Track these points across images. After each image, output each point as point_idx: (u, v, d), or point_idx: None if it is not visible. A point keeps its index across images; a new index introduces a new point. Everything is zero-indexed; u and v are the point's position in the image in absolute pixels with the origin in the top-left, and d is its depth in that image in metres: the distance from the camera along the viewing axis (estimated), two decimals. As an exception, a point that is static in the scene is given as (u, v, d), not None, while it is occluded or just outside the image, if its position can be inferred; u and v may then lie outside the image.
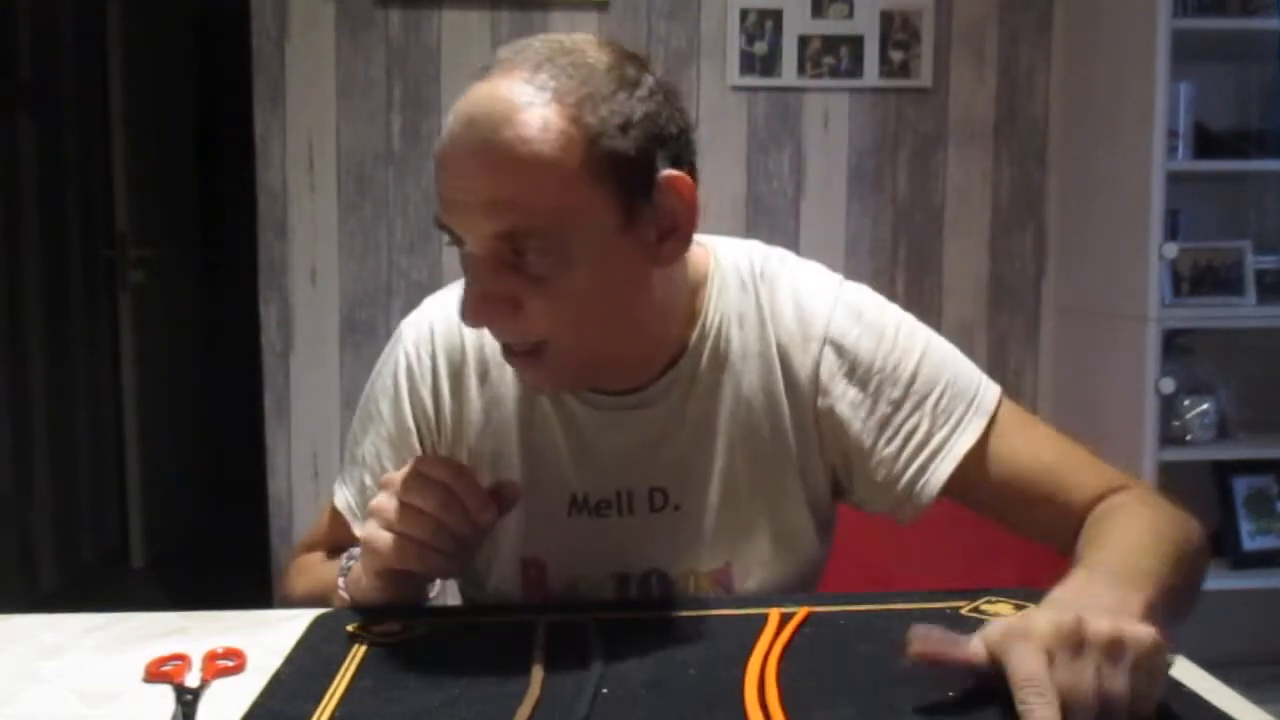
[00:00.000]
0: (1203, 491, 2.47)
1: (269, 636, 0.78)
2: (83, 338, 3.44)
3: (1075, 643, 0.58)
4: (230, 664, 0.73)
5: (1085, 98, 2.52)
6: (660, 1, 2.54)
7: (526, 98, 0.73)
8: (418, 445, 0.93)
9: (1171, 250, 2.23)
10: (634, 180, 0.76)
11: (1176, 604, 0.73)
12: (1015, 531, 0.91)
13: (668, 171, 0.77)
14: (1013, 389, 2.67)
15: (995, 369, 2.68)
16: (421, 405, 0.92)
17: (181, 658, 0.74)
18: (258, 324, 2.56)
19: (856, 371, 0.89)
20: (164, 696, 0.69)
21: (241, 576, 2.81)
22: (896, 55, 2.58)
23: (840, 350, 0.89)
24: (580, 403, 0.89)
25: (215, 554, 3.69)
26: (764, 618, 0.78)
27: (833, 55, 2.57)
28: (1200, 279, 2.36)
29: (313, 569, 0.99)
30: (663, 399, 0.89)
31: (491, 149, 0.72)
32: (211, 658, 0.74)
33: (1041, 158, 2.66)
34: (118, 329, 3.49)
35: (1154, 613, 0.66)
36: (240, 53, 2.65)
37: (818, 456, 0.90)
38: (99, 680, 0.72)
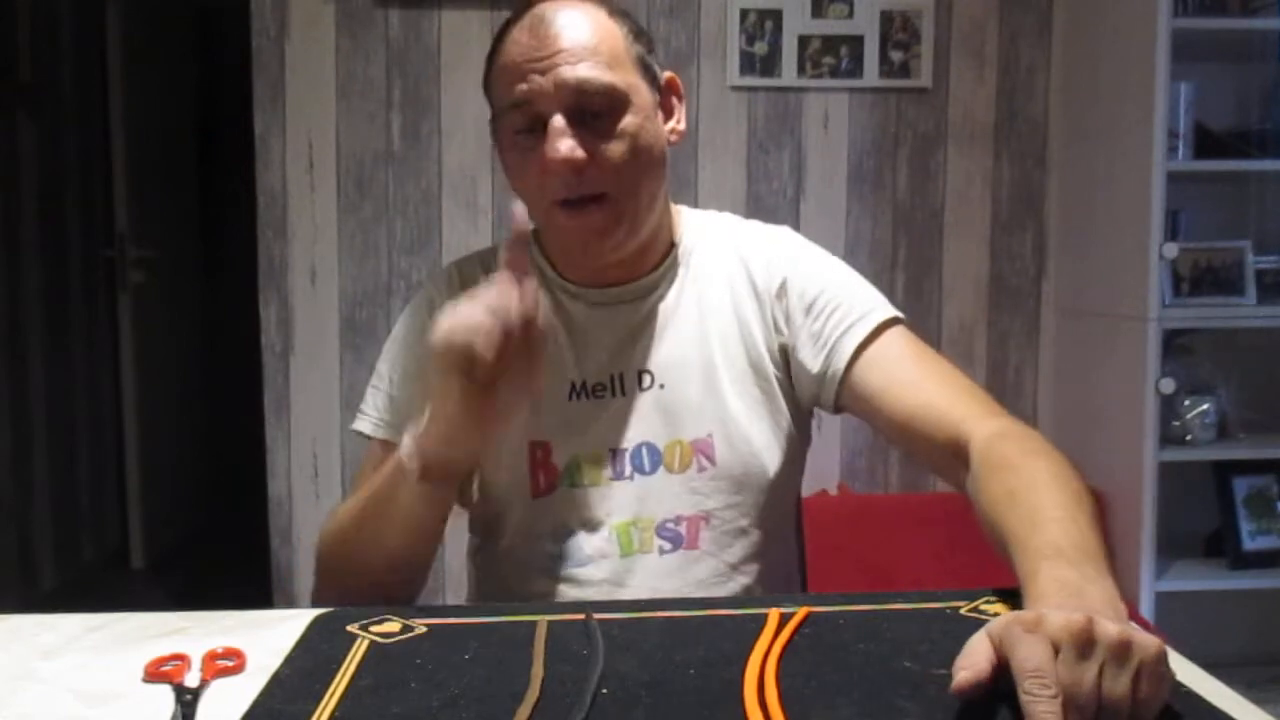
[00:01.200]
0: (1203, 491, 2.48)
1: (269, 636, 0.78)
2: (83, 338, 3.44)
3: (1084, 641, 0.58)
4: (230, 664, 0.73)
5: (1085, 98, 2.52)
6: (660, 1, 2.54)
7: (577, 6, 0.96)
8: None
9: (1171, 250, 2.23)
10: (649, 73, 1.00)
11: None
12: (899, 445, 1.02)
13: (666, 72, 1.03)
14: (1013, 389, 2.67)
15: (995, 369, 2.68)
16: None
17: (181, 658, 0.74)
18: (258, 324, 2.56)
19: (798, 265, 1.07)
20: (164, 696, 0.69)
21: (241, 576, 2.81)
22: (896, 55, 2.58)
23: (789, 253, 1.08)
24: (577, 301, 1.05)
25: (215, 554, 3.69)
26: (763, 618, 0.78)
27: (833, 55, 2.57)
28: (1200, 279, 2.36)
29: (351, 499, 1.01)
30: (648, 294, 1.06)
31: (566, 33, 0.94)
32: (211, 658, 0.74)
33: (1041, 158, 2.66)
34: (118, 329, 3.49)
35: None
36: (240, 53, 2.65)
37: (775, 339, 1.05)
38: (98, 680, 0.72)
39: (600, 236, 0.98)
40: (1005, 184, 2.66)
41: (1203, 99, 2.38)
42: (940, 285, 2.66)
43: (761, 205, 2.55)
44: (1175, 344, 2.37)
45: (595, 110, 0.94)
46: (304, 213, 2.54)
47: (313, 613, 0.83)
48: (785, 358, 1.05)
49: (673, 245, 1.08)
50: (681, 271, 1.07)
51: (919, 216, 2.64)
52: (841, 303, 1.03)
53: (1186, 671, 0.70)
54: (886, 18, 2.56)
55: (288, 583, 2.58)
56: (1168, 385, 2.24)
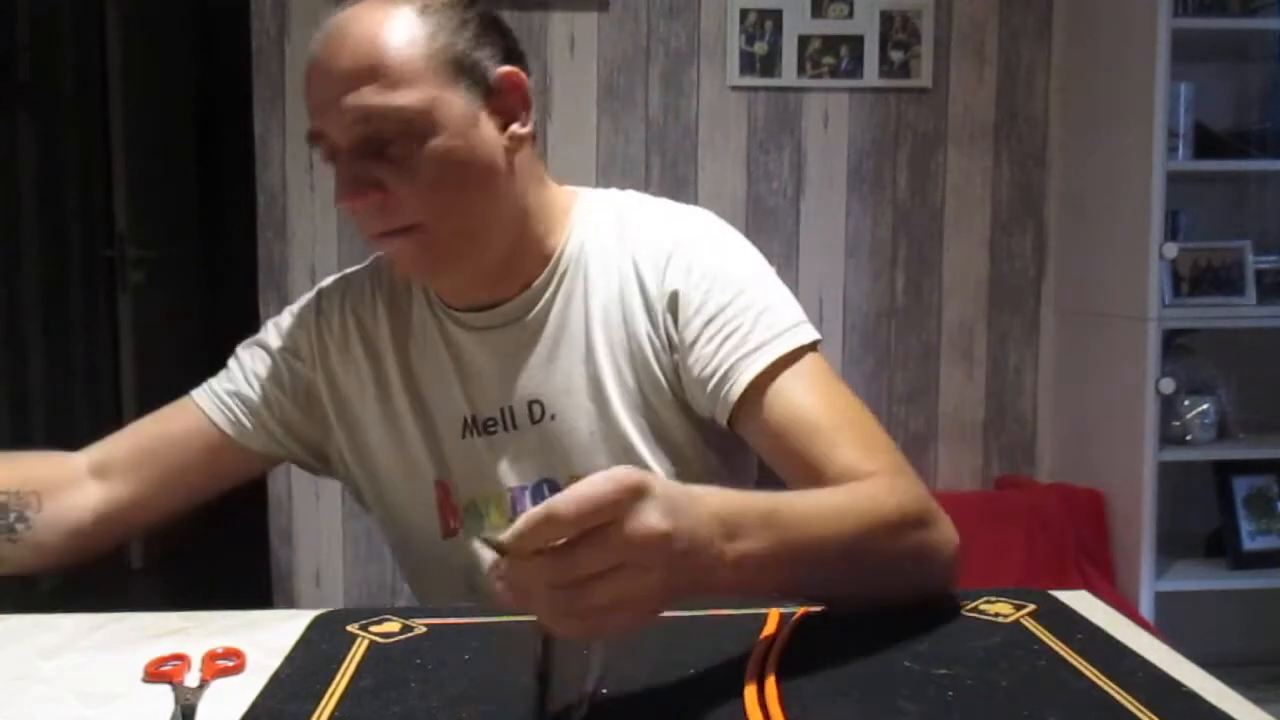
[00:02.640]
0: (1203, 491, 2.48)
1: (268, 636, 0.78)
2: (82, 338, 3.44)
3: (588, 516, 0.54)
4: (230, 664, 0.73)
5: (1085, 98, 2.52)
6: (660, 1, 2.54)
7: (377, 9, 0.85)
8: (284, 368, 1.01)
9: (1171, 250, 2.23)
10: (473, 75, 0.87)
11: (811, 578, 0.72)
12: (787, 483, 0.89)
13: (502, 68, 0.89)
14: (1013, 389, 2.67)
15: (995, 369, 2.68)
16: (303, 337, 1.02)
17: (181, 658, 0.74)
18: (258, 324, 2.55)
19: (693, 274, 0.92)
20: (164, 696, 0.69)
21: (241, 576, 2.81)
22: (896, 55, 2.58)
23: (686, 257, 0.93)
24: (458, 326, 0.96)
25: (215, 554, 3.69)
26: (763, 618, 0.78)
27: (833, 55, 2.57)
28: (1200, 279, 2.36)
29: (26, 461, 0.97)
30: (529, 312, 0.95)
31: (347, 50, 0.83)
32: (211, 658, 0.74)
33: (1041, 158, 2.66)
34: (118, 329, 3.49)
35: (749, 562, 0.64)
36: (240, 53, 2.64)
37: (666, 356, 0.93)
38: (98, 680, 0.72)
39: (419, 268, 0.90)
40: (1005, 184, 2.66)
41: (1203, 99, 2.38)
42: (940, 285, 2.66)
43: (761, 205, 2.55)
44: (1175, 344, 2.37)
45: (388, 137, 0.83)
46: (304, 213, 2.54)
47: (313, 613, 0.83)
48: (679, 375, 0.93)
49: (559, 248, 0.96)
50: (570, 276, 0.95)
51: (919, 216, 2.64)
52: (740, 325, 0.89)
53: (1186, 671, 0.70)
54: (886, 18, 2.56)
55: (288, 583, 2.58)
56: (1168, 385, 2.24)
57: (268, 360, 1.02)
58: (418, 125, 0.84)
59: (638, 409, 0.93)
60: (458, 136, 0.85)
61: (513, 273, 0.95)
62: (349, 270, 1.06)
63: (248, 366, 1.03)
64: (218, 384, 1.03)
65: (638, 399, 0.93)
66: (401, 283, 1.01)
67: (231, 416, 1.00)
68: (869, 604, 0.75)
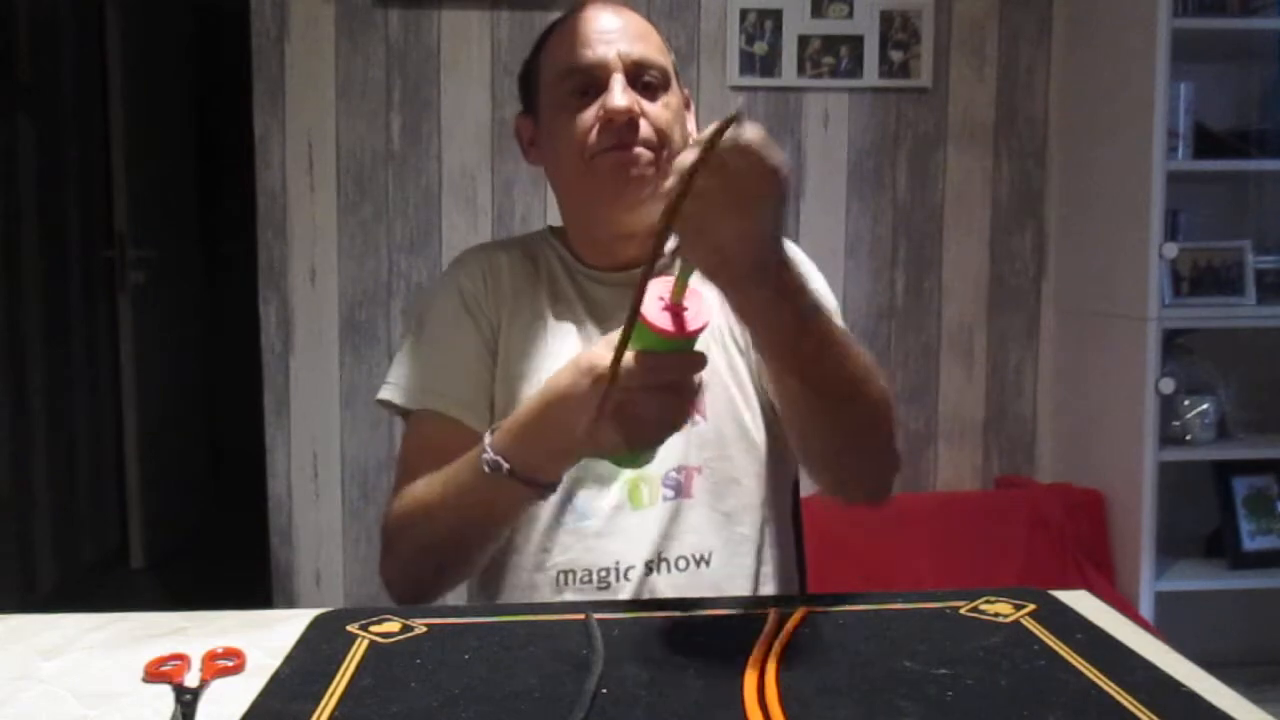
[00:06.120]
0: (1203, 491, 2.48)
1: (268, 636, 0.78)
2: (82, 338, 3.44)
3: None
4: (230, 664, 0.73)
5: (1085, 98, 2.52)
6: (660, 1, 2.54)
7: (625, 7, 1.13)
8: (473, 328, 1.12)
9: (1171, 250, 2.23)
10: (674, 70, 1.13)
11: (824, 352, 0.86)
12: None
13: (685, 89, 1.16)
14: (1013, 389, 2.67)
15: (995, 369, 2.68)
16: (476, 299, 1.14)
17: (181, 658, 0.74)
18: (258, 324, 2.56)
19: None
20: (163, 696, 0.69)
21: (241, 576, 2.81)
22: (896, 55, 2.58)
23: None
24: (597, 285, 1.15)
25: (215, 554, 3.69)
26: (763, 618, 0.78)
27: (832, 55, 2.57)
28: (1200, 279, 2.36)
29: (423, 481, 1.02)
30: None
31: (633, 13, 1.12)
32: (211, 658, 0.74)
33: (1041, 158, 2.66)
34: (118, 329, 3.49)
35: (795, 294, 0.82)
36: (240, 53, 2.64)
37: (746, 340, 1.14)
38: (98, 680, 0.72)
39: (641, 180, 1.06)
40: (1005, 184, 2.66)
41: (1203, 99, 2.38)
42: (940, 285, 2.66)
43: (761, 205, 2.55)
44: (1175, 344, 2.37)
45: (647, 83, 1.08)
46: (304, 213, 2.54)
47: (312, 612, 0.83)
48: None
49: None
50: None
51: (919, 216, 2.64)
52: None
53: (1186, 671, 0.70)
54: (886, 17, 2.56)
55: (288, 583, 2.58)
56: (1168, 385, 2.24)
57: (456, 333, 1.13)
58: (668, 81, 1.10)
59: (730, 362, 1.13)
60: (676, 97, 1.11)
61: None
62: (466, 252, 1.20)
63: (441, 346, 1.13)
64: (418, 383, 1.11)
65: (727, 355, 1.13)
66: (531, 252, 1.18)
67: (470, 407, 1.10)
68: (839, 422, 0.92)
